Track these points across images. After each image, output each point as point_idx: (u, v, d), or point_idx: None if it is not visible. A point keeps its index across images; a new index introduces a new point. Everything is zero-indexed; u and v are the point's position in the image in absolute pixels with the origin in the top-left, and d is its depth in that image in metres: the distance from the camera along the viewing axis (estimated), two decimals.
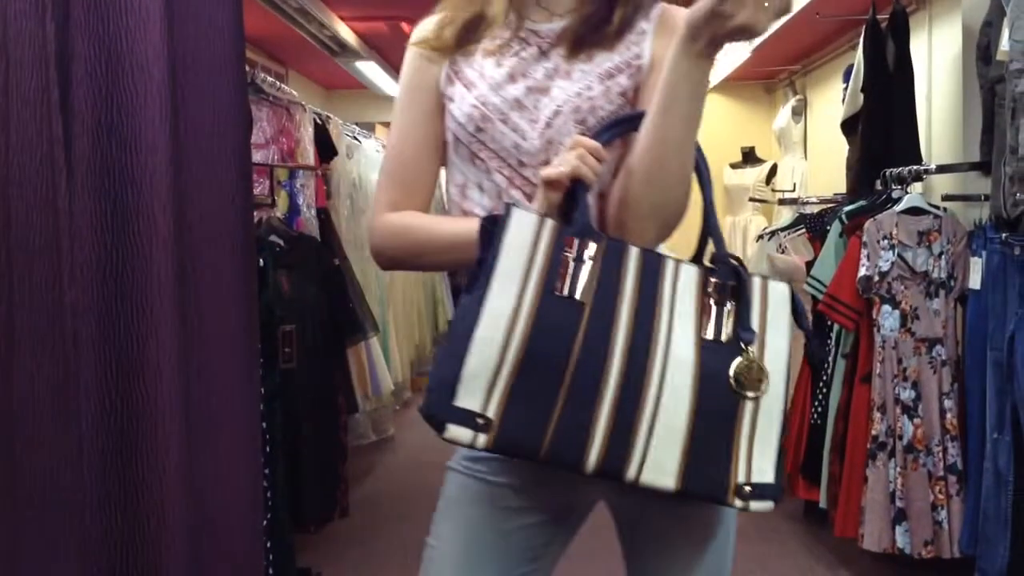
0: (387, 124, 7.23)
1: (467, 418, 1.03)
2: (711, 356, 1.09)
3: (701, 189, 1.19)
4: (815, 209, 4.43)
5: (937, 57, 3.90)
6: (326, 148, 4.14)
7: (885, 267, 3.16)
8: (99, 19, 1.55)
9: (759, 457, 1.10)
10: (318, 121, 4.08)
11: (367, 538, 3.67)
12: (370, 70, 5.86)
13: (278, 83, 3.67)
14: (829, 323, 3.51)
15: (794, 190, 5.62)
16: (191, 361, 1.65)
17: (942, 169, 3.42)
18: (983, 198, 3.14)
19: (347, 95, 7.12)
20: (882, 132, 3.71)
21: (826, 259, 3.48)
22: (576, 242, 1.09)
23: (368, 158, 5.08)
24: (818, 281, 3.45)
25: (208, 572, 1.74)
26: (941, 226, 3.16)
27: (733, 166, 6.52)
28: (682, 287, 1.11)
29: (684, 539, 1.25)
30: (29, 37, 1.40)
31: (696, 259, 1.20)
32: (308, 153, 3.87)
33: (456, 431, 1.04)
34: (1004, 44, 2.84)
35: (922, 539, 3.06)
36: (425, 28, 1.31)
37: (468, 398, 1.03)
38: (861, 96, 3.84)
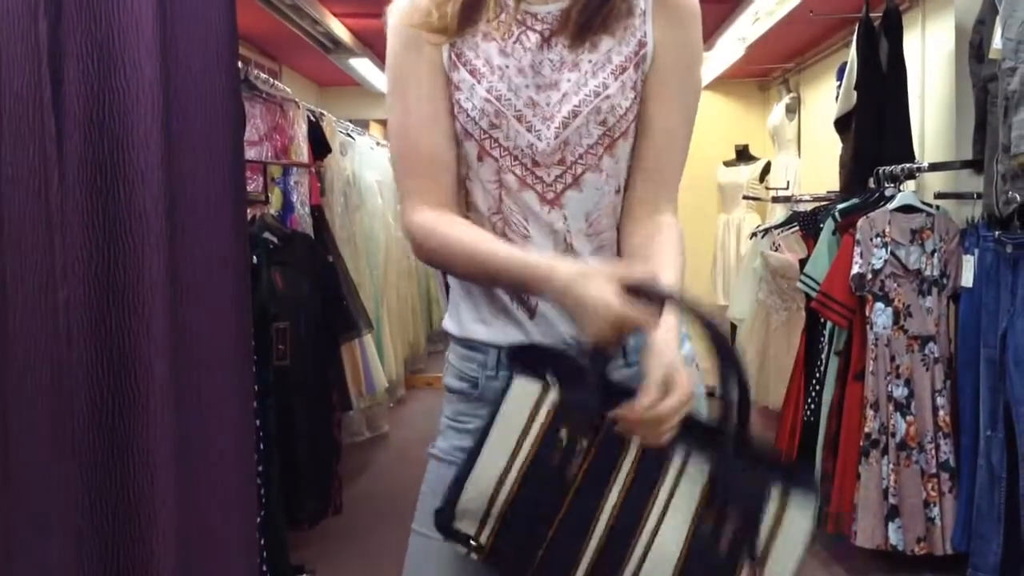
0: (381, 121, 7.23)
1: (464, 539, 1.11)
2: (699, 557, 1.03)
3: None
4: (808, 207, 4.44)
5: (930, 55, 3.90)
6: (320, 145, 4.13)
7: (878, 265, 3.17)
8: (91, 16, 1.55)
9: None
10: (312, 118, 4.08)
11: (361, 535, 3.67)
12: (364, 67, 5.85)
13: (271, 80, 3.66)
14: (822, 320, 3.51)
15: (788, 188, 5.62)
16: (183, 358, 1.65)
17: (935, 167, 3.43)
18: (976, 196, 3.15)
19: (341, 92, 7.11)
20: (875, 130, 3.72)
21: (819, 257, 3.49)
22: (565, 433, 1.07)
23: (362, 155, 5.08)
24: (811, 279, 3.46)
25: (201, 569, 1.74)
26: (934, 224, 3.17)
27: (727, 164, 6.53)
28: (687, 477, 1.06)
29: None
30: (21, 34, 1.40)
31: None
32: (302, 150, 3.86)
33: (456, 546, 1.12)
34: (997, 42, 2.85)
35: (915, 535, 3.07)
36: (416, 5, 1.22)
37: (465, 524, 1.10)
38: (854, 94, 3.84)
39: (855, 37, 3.88)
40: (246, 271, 1.91)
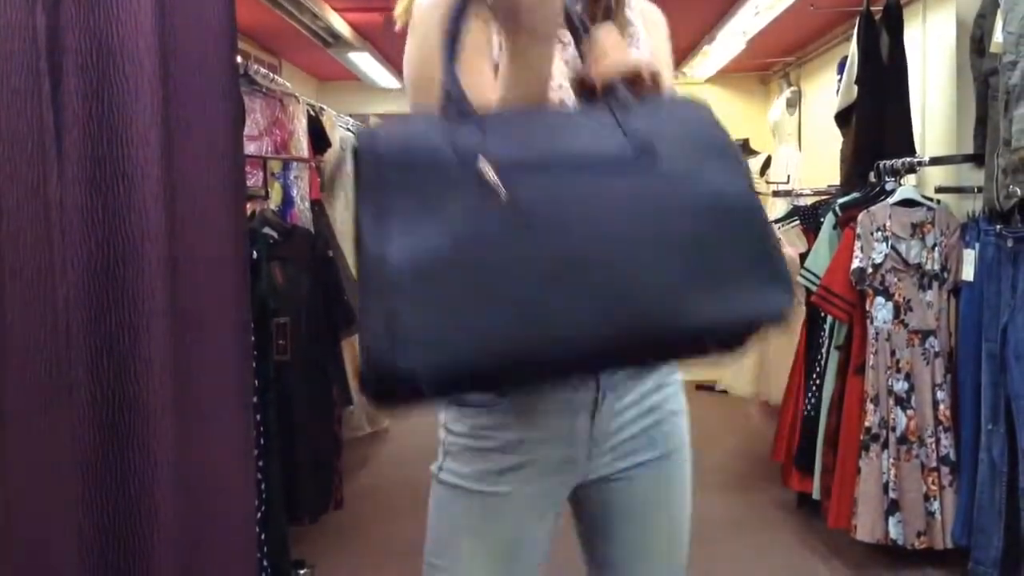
0: (381, 116, 7.21)
1: None
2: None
3: None
4: (809, 201, 4.44)
5: (931, 49, 3.90)
6: (320, 140, 4.13)
7: (878, 259, 3.17)
8: (90, 11, 1.54)
9: None
10: (312, 113, 4.07)
11: (362, 530, 3.67)
12: (364, 61, 5.84)
13: (271, 75, 3.66)
14: (823, 315, 3.51)
15: (788, 182, 5.62)
16: (183, 354, 1.65)
17: (935, 161, 3.43)
18: (976, 190, 3.15)
19: (340, 86, 7.10)
20: (876, 124, 3.71)
21: (820, 251, 3.49)
22: None
23: None
24: (812, 273, 3.46)
25: (202, 564, 1.74)
26: (934, 218, 3.17)
27: None
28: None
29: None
30: (20, 29, 1.39)
31: None
32: (302, 145, 3.86)
33: None
34: (998, 36, 2.84)
35: (915, 530, 3.07)
36: None
37: None
38: (855, 88, 3.84)
39: (856, 31, 3.88)
40: (246, 266, 1.91)
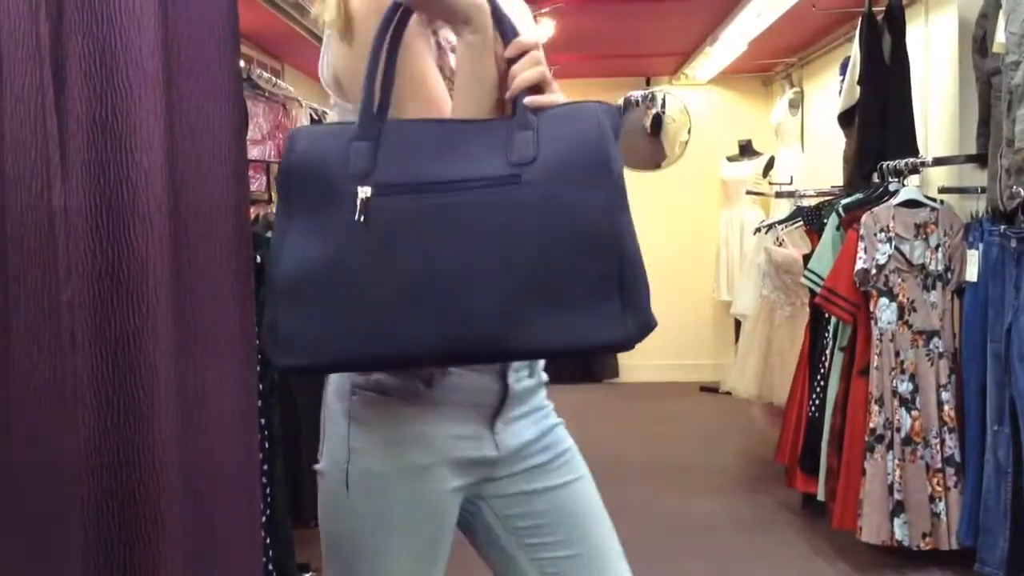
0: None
1: None
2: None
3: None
4: (812, 202, 4.44)
5: (933, 49, 3.89)
6: None
7: (882, 260, 3.16)
8: (93, 16, 1.54)
9: None
10: (314, 116, 4.08)
11: None
12: None
13: (274, 78, 3.67)
14: (827, 316, 3.51)
15: (791, 183, 5.62)
16: (188, 359, 1.65)
17: (939, 162, 3.42)
18: (980, 190, 3.15)
19: None
20: (879, 125, 3.71)
21: (823, 252, 3.49)
22: None
23: None
24: (815, 274, 3.46)
25: (207, 568, 1.74)
26: (938, 218, 3.17)
27: (730, 159, 6.53)
28: None
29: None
30: (23, 35, 1.40)
31: None
32: None
33: None
34: (1000, 36, 2.84)
35: (920, 531, 3.07)
36: None
37: None
38: (857, 89, 3.84)
39: (858, 31, 3.88)
40: (250, 271, 1.91)
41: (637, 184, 6.91)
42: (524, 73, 1.13)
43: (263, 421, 2.54)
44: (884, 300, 3.17)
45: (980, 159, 3.19)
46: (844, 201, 3.53)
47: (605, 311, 1.06)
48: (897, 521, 3.07)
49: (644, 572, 3.80)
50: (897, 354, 3.15)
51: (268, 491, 2.69)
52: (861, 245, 3.18)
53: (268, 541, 2.63)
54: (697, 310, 6.75)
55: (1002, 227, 2.91)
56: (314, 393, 3.29)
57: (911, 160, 3.36)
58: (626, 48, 6.03)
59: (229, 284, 1.77)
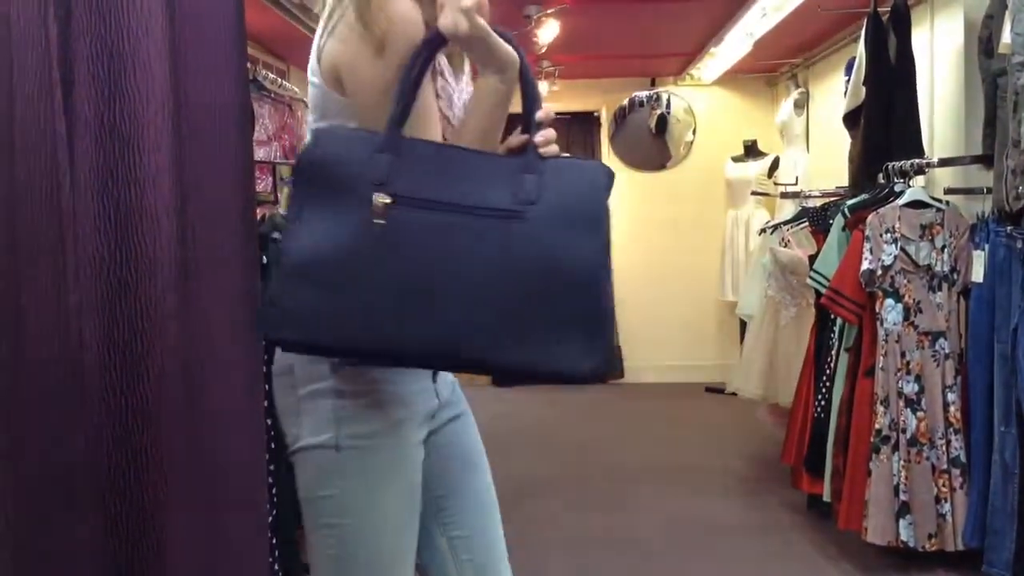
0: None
1: None
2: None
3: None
4: (818, 202, 4.43)
5: (939, 50, 3.89)
6: None
7: (888, 261, 3.16)
8: (100, 19, 1.55)
9: None
10: None
11: None
12: None
13: (279, 80, 3.67)
14: (832, 317, 3.51)
15: (796, 183, 5.61)
16: (194, 360, 1.65)
17: (944, 162, 3.42)
18: (985, 191, 3.14)
19: None
20: (884, 125, 3.71)
21: (829, 253, 3.48)
22: None
23: None
24: (821, 275, 3.45)
25: (213, 568, 1.75)
26: (943, 219, 3.16)
27: (735, 159, 6.52)
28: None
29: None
30: (32, 39, 1.40)
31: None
32: None
33: None
34: (1006, 37, 2.84)
35: (926, 532, 3.07)
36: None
37: None
38: (863, 89, 3.83)
39: (863, 32, 3.87)
40: (256, 271, 1.91)
41: (642, 185, 6.92)
42: (550, 146, 1.27)
43: (269, 421, 2.54)
44: (890, 301, 3.17)
45: (986, 160, 3.18)
46: (850, 202, 3.53)
47: (571, 348, 1.19)
48: (902, 522, 3.07)
49: (649, 572, 3.81)
50: (903, 355, 3.15)
51: (273, 492, 2.70)
52: (867, 246, 3.18)
53: (274, 541, 2.63)
54: (702, 310, 6.75)
55: (1008, 228, 2.91)
56: None
57: (917, 161, 3.36)
58: (631, 49, 6.03)
59: (236, 284, 1.77)
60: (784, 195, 5.35)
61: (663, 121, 6.92)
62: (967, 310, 3.13)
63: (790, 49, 5.71)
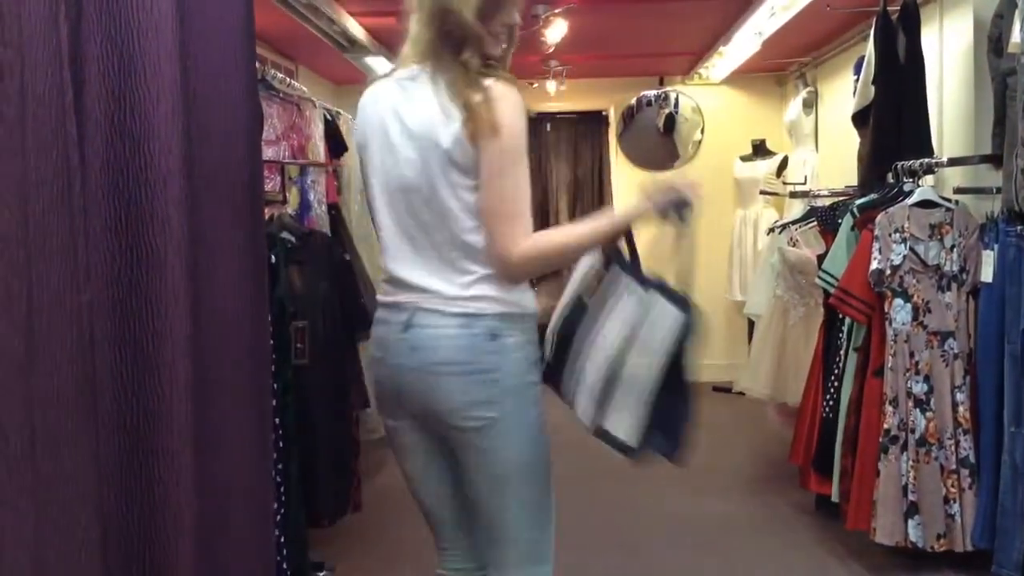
0: None
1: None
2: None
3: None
4: (826, 202, 4.42)
5: (948, 49, 3.88)
6: (336, 144, 4.14)
7: (897, 260, 3.15)
8: (111, 19, 1.56)
9: None
10: (328, 117, 4.09)
11: (380, 532, 3.68)
12: (380, 65, 5.85)
13: (288, 79, 3.68)
14: (841, 317, 3.50)
15: (805, 183, 5.60)
16: (205, 359, 1.66)
17: (954, 162, 3.41)
18: (995, 191, 3.13)
19: (357, 91, 7.11)
20: (893, 124, 3.69)
21: (838, 253, 3.48)
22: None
23: None
24: (830, 275, 3.45)
25: (223, 567, 1.76)
26: (953, 219, 3.15)
27: (743, 159, 6.51)
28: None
29: None
30: (43, 39, 1.41)
31: None
32: (318, 149, 3.87)
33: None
34: (1015, 36, 2.83)
35: (934, 532, 3.06)
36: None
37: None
38: (872, 88, 3.82)
39: (872, 31, 3.86)
40: (264, 270, 1.92)
41: None
42: None
43: (277, 420, 2.55)
44: (899, 301, 3.16)
45: (995, 159, 3.17)
46: (859, 201, 3.52)
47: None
48: (911, 522, 3.06)
49: (656, 572, 3.81)
50: (912, 355, 3.14)
51: (282, 490, 2.71)
52: (876, 246, 3.17)
53: (282, 540, 2.64)
54: (710, 310, 6.71)
55: (1018, 227, 2.90)
56: (328, 392, 3.31)
57: (926, 160, 3.35)
58: (640, 48, 6.02)
59: (246, 285, 1.78)
60: (793, 194, 5.33)
61: (671, 120, 6.91)
62: (976, 310, 3.12)
63: (799, 48, 5.70)
